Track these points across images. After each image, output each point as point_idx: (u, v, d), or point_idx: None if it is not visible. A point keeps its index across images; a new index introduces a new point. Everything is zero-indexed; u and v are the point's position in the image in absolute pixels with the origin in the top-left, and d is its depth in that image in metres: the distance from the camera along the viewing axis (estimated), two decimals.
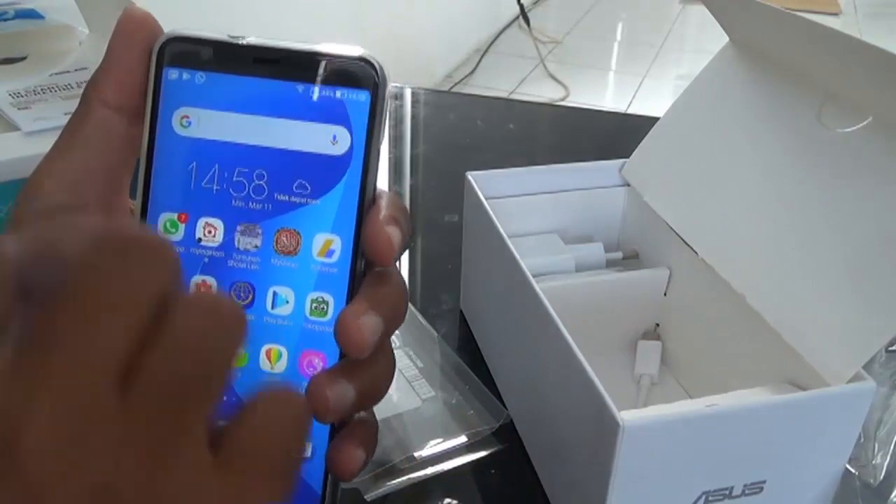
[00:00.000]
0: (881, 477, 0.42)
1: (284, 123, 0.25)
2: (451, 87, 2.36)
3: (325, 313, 0.26)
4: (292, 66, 0.25)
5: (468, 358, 0.50)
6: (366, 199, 0.26)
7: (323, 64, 0.25)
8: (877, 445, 0.44)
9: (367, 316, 0.25)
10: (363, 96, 0.25)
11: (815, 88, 0.41)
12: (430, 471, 0.42)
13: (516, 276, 0.42)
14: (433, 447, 0.43)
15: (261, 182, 0.25)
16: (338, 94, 0.25)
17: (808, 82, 0.41)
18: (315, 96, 0.25)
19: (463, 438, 0.44)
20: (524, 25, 2.67)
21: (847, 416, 0.35)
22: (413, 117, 0.85)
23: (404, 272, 0.60)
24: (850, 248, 0.37)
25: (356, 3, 1.86)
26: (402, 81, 0.91)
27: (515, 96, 2.32)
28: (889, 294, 0.34)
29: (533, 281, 0.40)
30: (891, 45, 0.31)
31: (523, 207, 0.51)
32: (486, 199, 0.47)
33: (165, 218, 0.26)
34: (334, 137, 0.25)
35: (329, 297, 0.26)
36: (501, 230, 0.44)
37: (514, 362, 0.46)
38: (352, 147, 0.25)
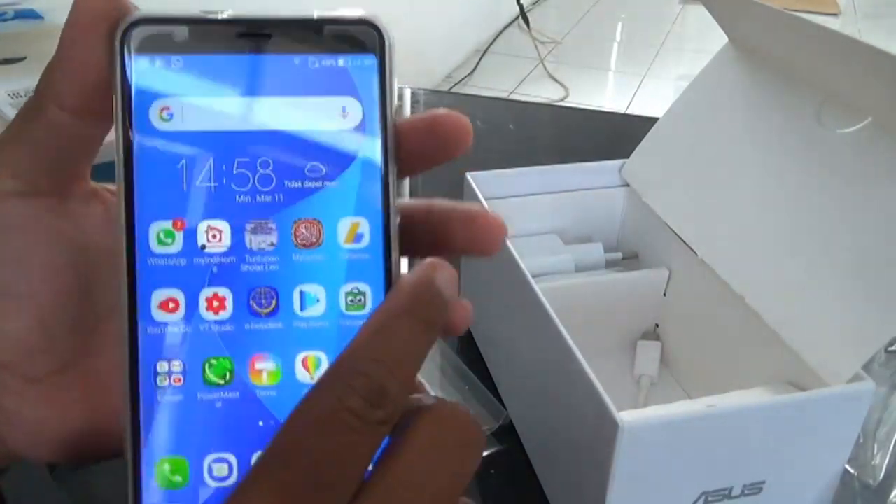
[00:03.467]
0: (880, 477, 0.42)
1: (284, 102, 0.22)
2: (451, 88, 2.36)
3: (364, 306, 0.23)
4: (284, 37, 0.22)
5: (468, 358, 0.50)
6: (389, 172, 0.23)
7: (320, 31, 0.23)
8: (876, 445, 0.44)
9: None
10: (369, 61, 0.23)
11: (815, 88, 0.41)
12: None
13: (516, 277, 0.42)
14: None
15: (266, 171, 0.22)
16: (340, 62, 0.23)
17: (808, 82, 0.41)
18: (315, 68, 0.22)
19: None
20: (524, 26, 2.67)
21: (846, 417, 0.35)
22: None
23: (403, 272, 0.60)
24: (850, 248, 0.37)
25: (355, 3, 1.86)
26: (402, 82, 0.91)
27: (515, 96, 2.32)
28: (889, 294, 0.34)
29: (532, 281, 0.40)
30: (891, 45, 0.31)
31: (523, 207, 0.51)
32: (486, 199, 0.47)
33: (158, 227, 0.22)
34: (343, 110, 0.23)
35: (365, 287, 0.23)
36: None
37: (513, 363, 0.46)
38: (364, 118, 0.23)
